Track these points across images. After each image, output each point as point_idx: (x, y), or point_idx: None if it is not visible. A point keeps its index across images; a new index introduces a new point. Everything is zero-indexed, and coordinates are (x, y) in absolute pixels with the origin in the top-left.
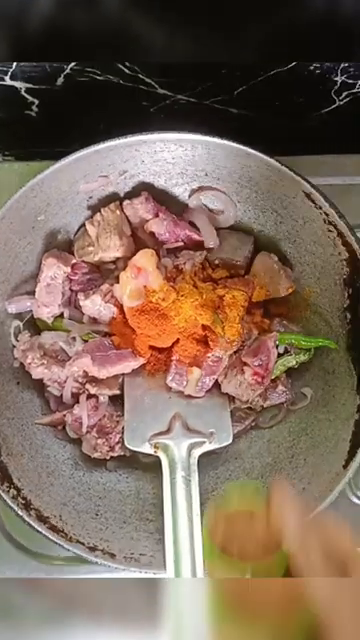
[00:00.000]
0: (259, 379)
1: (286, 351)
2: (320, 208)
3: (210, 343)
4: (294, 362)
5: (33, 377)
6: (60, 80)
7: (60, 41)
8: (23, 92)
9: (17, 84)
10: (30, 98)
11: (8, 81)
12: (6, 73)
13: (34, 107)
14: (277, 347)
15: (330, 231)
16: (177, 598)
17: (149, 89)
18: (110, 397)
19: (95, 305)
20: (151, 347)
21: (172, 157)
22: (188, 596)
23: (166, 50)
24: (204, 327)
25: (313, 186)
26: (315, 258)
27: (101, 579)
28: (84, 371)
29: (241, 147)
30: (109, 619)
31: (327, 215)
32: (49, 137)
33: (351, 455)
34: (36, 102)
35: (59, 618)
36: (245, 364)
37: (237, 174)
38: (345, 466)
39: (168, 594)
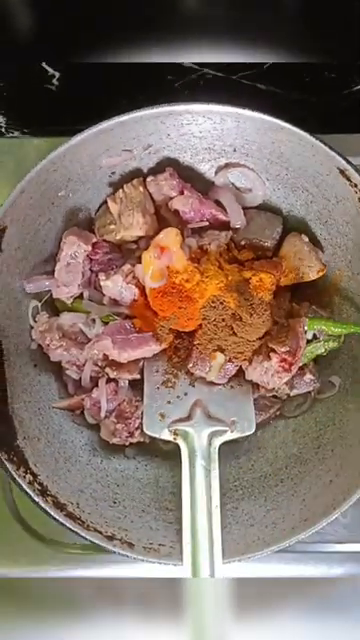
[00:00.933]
0: (286, 366)
1: (315, 337)
2: (355, 186)
3: (235, 328)
4: (323, 349)
5: (51, 359)
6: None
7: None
8: (44, 64)
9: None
10: (51, 70)
11: None
12: None
13: (55, 81)
14: (306, 333)
15: None
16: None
17: (174, 62)
18: (130, 381)
19: (116, 286)
20: (173, 331)
21: (199, 131)
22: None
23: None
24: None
25: (349, 162)
26: (347, 240)
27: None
28: (104, 354)
29: (273, 120)
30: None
31: None
32: (70, 114)
33: None
34: (57, 75)
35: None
36: (272, 350)
37: (267, 150)
38: None
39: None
